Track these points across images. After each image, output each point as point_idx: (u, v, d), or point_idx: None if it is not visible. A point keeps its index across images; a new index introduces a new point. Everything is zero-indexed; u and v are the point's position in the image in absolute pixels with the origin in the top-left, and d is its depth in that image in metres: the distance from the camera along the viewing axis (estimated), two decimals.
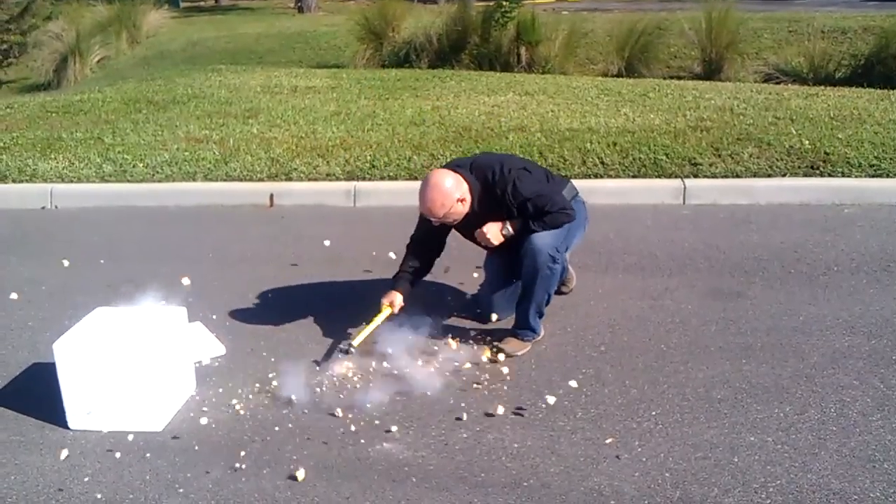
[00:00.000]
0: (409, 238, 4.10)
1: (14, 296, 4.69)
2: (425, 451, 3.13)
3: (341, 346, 3.82)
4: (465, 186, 3.72)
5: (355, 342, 3.80)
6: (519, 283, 3.91)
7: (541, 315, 3.92)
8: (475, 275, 4.65)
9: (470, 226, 3.84)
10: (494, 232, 3.77)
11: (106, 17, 16.05)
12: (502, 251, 3.95)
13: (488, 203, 3.77)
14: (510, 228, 3.76)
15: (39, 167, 6.85)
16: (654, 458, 3.03)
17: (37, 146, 7.37)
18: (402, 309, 3.95)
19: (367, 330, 3.86)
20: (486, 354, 3.85)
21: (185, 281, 4.69)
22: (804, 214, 5.69)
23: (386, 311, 3.92)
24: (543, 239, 3.73)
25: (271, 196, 6.35)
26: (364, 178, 6.47)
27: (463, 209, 3.73)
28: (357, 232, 5.74)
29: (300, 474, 3.00)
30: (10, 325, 4.36)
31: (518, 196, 3.69)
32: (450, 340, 3.99)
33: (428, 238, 4.03)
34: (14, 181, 6.75)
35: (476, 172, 3.80)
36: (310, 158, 6.73)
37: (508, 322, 4.01)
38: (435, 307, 4.36)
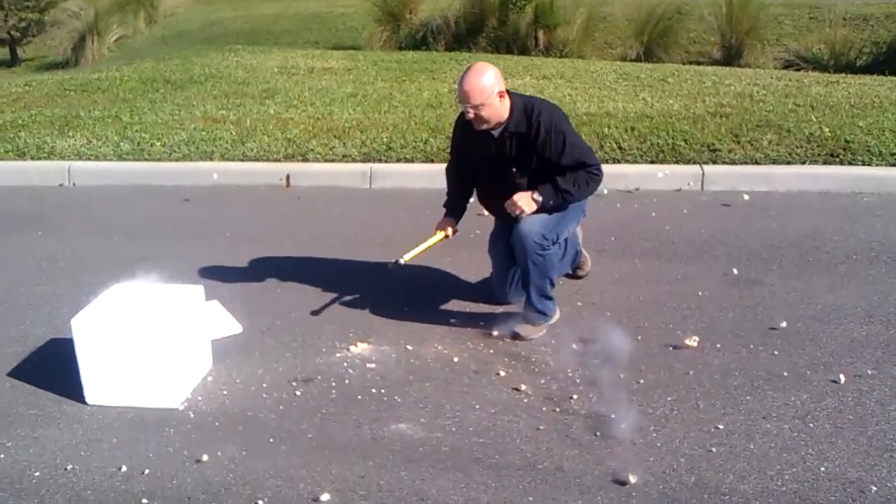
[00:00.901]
0: (446, 168, 4.13)
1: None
2: (440, 433, 3.13)
3: (391, 262, 3.86)
4: (505, 86, 3.64)
5: (405, 257, 3.85)
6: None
7: (548, 298, 3.88)
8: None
9: (490, 164, 3.81)
10: (526, 200, 3.69)
11: None
12: (505, 233, 3.94)
13: (518, 135, 3.68)
14: (539, 196, 3.69)
15: (58, 145, 6.87)
16: (669, 443, 3.02)
17: (55, 124, 7.40)
18: (454, 233, 4.01)
19: (418, 249, 3.91)
20: (500, 338, 3.85)
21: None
22: (823, 202, 5.65)
23: (439, 236, 3.97)
24: (531, 225, 3.70)
25: (287, 177, 6.35)
26: (380, 160, 6.46)
27: (499, 109, 3.63)
28: (372, 213, 5.74)
29: (315, 453, 3.01)
30: (27, 301, 4.39)
31: (560, 141, 3.62)
32: (464, 323, 3.99)
33: (461, 165, 4.03)
34: (32, 158, 6.78)
35: (524, 98, 3.74)
36: (326, 140, 6.72)
37: (522, 305, 3.99)
38: (450, 290, 4.36)
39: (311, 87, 8.58)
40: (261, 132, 6.93)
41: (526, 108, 3.69)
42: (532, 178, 3.74)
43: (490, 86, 3.57)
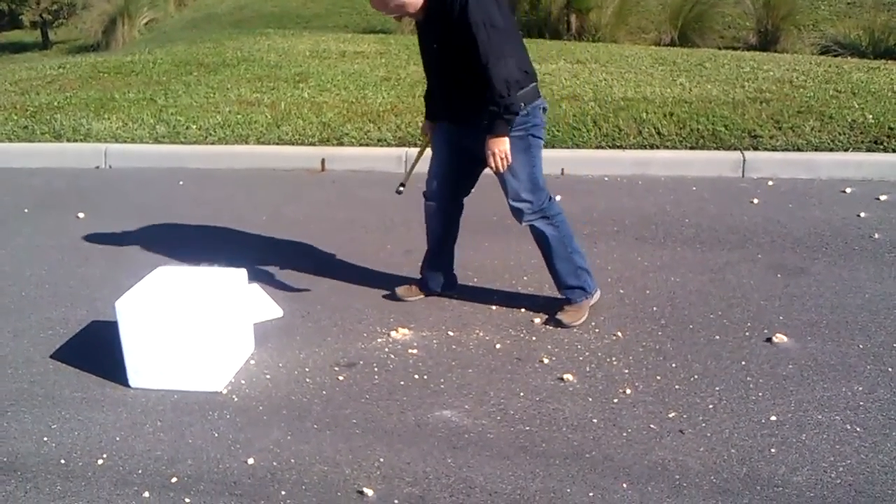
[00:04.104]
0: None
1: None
2: (485, 420, 3.10)
3: (397, 189, 4.08)
4: None
5: (404, 181, 4.11)
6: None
7: (582, 269, 3.77)
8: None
9: (423, 43, 3.68)
10: (497, 146, 3.44)
11: None
12: (443, 123, 3.83)
13: (435, 8, 3.42)
14: (496, 130, 3.42)
15: (94, 127, 6.89)
16: (719, 433, 2.97)
17: (90, 106, 7.42)
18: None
19: (412, 166, 4.20)
20: (542, 325, 3.81)
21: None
22: (867, 190, 5.54)
23: (423, 142, 4.07)
24: (512, 199, 3.63)
25: (323, 160, 6.33)
26: (415, 144, 6.41)
27: (412, 1, 3.41)
28: (408, 197, 5.68)
29: (360, 438, 2.99)
30: (68, 283, 4.40)
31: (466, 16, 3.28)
32: (506, 310, 3.95)
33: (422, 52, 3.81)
34: (69, 140, 6.80)
35: None
36: (361, 123, 6.69)
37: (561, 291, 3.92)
38: (490, 276, 4.33)
39: (344, 70, 8.54)
40: (295, 116, 6.91)
41: None
42: (456, 57, 3.44)
43: None
